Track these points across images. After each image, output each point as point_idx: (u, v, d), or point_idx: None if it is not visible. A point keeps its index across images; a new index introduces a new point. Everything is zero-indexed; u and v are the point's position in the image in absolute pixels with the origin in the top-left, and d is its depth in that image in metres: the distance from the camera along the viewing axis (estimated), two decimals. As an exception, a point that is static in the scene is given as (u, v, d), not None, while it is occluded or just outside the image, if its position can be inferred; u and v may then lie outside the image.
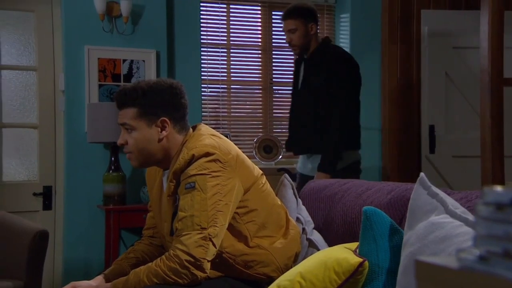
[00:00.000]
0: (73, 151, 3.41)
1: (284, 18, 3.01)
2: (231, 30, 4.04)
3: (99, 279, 1.85)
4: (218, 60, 4.01)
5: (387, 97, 4.10)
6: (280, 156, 4.03)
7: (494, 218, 0.38)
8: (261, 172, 1.91)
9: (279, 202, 1.94)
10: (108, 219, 3.30)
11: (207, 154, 1.72)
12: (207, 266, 1.68)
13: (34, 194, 3.49)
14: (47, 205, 3.54)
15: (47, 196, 3.52)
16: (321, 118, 2.91)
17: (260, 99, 4.13)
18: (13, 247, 2.54)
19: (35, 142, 3.52)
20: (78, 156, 3.41)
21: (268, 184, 1.92)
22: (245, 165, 1.82)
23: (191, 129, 1.85)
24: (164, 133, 1.78)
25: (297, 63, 3.16)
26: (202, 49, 3.86)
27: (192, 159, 1.72)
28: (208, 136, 1.79)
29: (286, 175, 2.11)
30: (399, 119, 4.09)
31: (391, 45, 4.09)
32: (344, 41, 4.19)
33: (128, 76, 3.52)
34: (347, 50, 4.14)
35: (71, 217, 3.44)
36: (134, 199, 3.43)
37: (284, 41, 4.19)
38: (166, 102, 1.78)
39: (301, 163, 3.18)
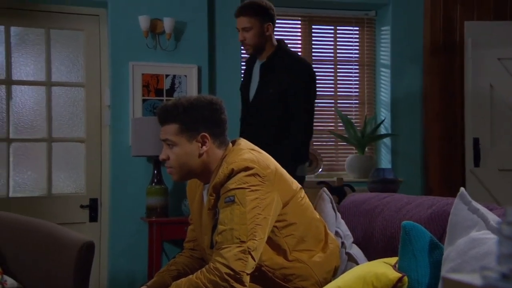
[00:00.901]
0: (118, 164, 3.51)
1: (238, 15, 2.76)
2: (271, 44, 4.08)
3: (142, 291, 1.90)
4: (258, 74, 4.05)
5: (429, 109, 4.04)
6: (320, 169, 4.03)
7: (516, 238, 0.39)
8: (299, 186, 1.92)
9: (318, 216, 1.95)
10: (151, 231, 3.37)
11: (246, 169, 1.75)
12: (247, 279, 1.70)
13: (81, 206, 3.60)
14: (93, 217, 3.64)
15: (93, 208, 3.63)
16: (277, 127, 2.69)
17: (300, 112, 4.13)
18: (61, 257, 2.62)
19: (82, 156, 3.65)
20: (122, 169, 3.51)
21: (307, 198, 1.93)
22: (283, 179, 1.84)
23: (230, 144, 1.89)
24: (204, 148, 1.82)
25: (249, 64, 2.92)
26: (242, 63, 3.91)
27: (232, 173, 1.75)
28: (247, 150, 1.83)
29: (325, 189, 2.11)
30: (442, 131, 4.03)
31: (434, 57, 4.04)
32: (384, 54, 4.17)
33: (171, 91, 3.60)
34: (388, 62, 4.13)
35: (116, 229, 3.53)
36: (176, 211, 3.50)
37: (324, 54, 4.23)
38: (206, 118, 1.83)
39: None
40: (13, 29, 3.56)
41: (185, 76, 3.63)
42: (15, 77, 3.56)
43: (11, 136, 3.53)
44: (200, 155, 1.82)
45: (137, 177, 3.51)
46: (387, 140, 4.12)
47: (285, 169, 2.47)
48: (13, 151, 3.54)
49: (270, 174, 1.79)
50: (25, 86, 3.61)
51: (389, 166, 4.02)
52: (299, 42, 4.17)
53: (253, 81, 2.82)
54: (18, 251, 2.60)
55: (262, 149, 2.25)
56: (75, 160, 3.67)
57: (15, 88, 3.57)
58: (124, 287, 3.51)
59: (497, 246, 0.41)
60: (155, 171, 3.39)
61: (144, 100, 3.56)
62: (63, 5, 3.61)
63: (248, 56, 2.94)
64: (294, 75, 2.69)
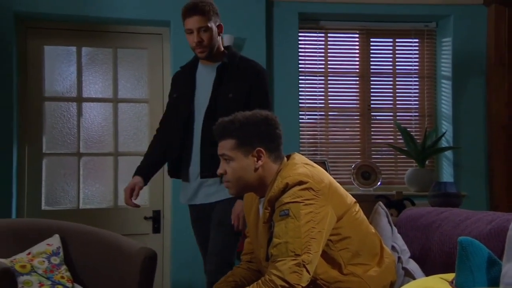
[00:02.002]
0: (179, 177, 3.62)
1: (192, 14, 2.45)
2: (329, 58, 4.12)
3: (200, 300, 1.96)
4: (316, 87, 4.10)
5: (494, 121, 3.92)
6: (379, 183, 3.99)
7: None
8: (354, 200, 1.93)
9: (373, 230, 1.95)
10: (211, 242, 3.45)
11: (301, 183, 1.79)
12: (301, 292, 1.73)
13: (145, 218, 3.74)
14: (156, 228, 3.77)
15: (156, 219, 3.76)
16: None
17: (358, 125, 4.13)
18: (125, 267, 2.74)
19: (146, 169, 3.79)
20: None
21: (362, 212, 1.94)
22: (338, 193, 1.86)
23: (285, 158, 1.93)
24: (259, 162, 1.88)
25: (188, 72, 2.62)
26: (300, 77, 3.96)
27: (286, 188, 1.79)
28: (301, 165, 1.86)
29: (380, 203, 2.11)
30: (508, 145, 3.89)
31: (498, 68, 3.93)
32: (445, 66, 4.10)
33: (230, 106, 3.68)
34: (449, 74, 4.05)
35: (178, 240, 3.64)
36: (235, 224, 3.56)
37: (383, 67, 4.21)
38: (261, 133, 1.88)
39: (190, 193, 2.61)
40: (84, 50, 3.78)
41: (244, 91, 3.70)
42: (85, 94, 3.77)
43: (81, 150, 3.73)
44: (255, 170, 1.88)
45: (198, 190, 3.60)
46: (448, 153, 4.03)
47: None
48: (82, 165, 3.74)
49: (324, 188, 1.81)
50: (94, 103, 3.80)
51: (451, 179, 3.93)
52: (357, 55, 4.18)
53: (200, 90, 2.53)
54: (86, 260, 2.74)
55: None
56: (139, 173, 3.81)
57: (85, 105, 3.77)
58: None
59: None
60: (215, 184, 3.47)
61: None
62: (129, 25, 3.80)
63: (186, 66, 2.66)
64: (255, 78, 2.50)
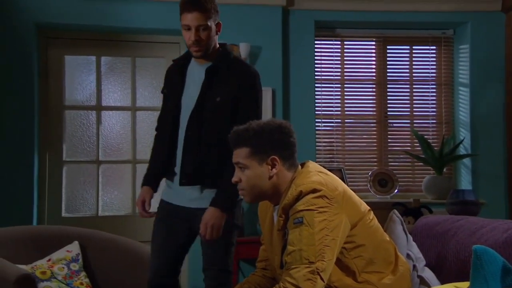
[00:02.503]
0: (196, 185, 3.66)
1: (192, 9, 2.22)
2: (345, 65, 4.13)
3: (216, 307, 1.98)
4: (332, 95, 4.11)
5: (512, 128, 3.89)
6: (396, 190, 3.97)
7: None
8: (368, 208, 1.94)
9: (388, 238, 1.95)
10: (227, 250, 3.47)
11: (314, 191, 1.80)
12: (316, 299, 1.73)
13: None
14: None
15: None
16: (221, 145, 2.22)
17: (375, 132, 4.13)
18: (143, 274, 2.77)
19: (163, 177, 3.83)
20: (200, 189, 3.65)
21: (376, 220, 1.94)
22: (352, 201, 1.87)
23: (299, 166, 1.95)
24: (274, 170, 1.89)
25: (179, 69, 2.40)
26: (316, 85, 3.97)
27: (300, 195, 1.81)
28: (315, 173, 1.87)
29: (395, 211, 2.11)
30: (527, 151, 3.85)
31: (517, 74, 3.90)
32: (463, 73, 4.08)
33: (246, 114, 3.71)
34: (467, 81, 4.03)
35: (195, 246, 3.66)
36: (252, 231, 3.58)
37: (400, 74, 4.21)
38: (275, 142, 1.90)
39: (173, 194, 2.39)
40: (103, 59, 3.85)
41: (260, 99, 3.73)
42: (104, 103, 3.83)
43: (100, 158, 3.78)
44: (270, 178, 1.89)
45: (215, 197, 3.63)
46: (467, 161, 4.00)
47: (231, 192, 2.18)
48: (101, 172, 3.80)
49: (338, 196, 1.82)
50: (113, 111, 3.86)
51: (469, 187, 3.90)
52: (374, 63, 4.18)
53: (189, 88, 2.34)
54: (105, 266, 2.79)
55: (205, 168, 2.22)
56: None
57: (104, 114, 3.84)
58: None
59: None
60: (231, 192, 3.49)
61: (220, 123, 3.69)
62: (147, 34, 3.86)
63: (176, 64, 2.44)
64: (245, 83, 2.31)
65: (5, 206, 3.33)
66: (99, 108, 3.82)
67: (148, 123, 3.88)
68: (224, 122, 2.24)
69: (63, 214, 3.70)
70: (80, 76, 3.85)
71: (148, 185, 2.42)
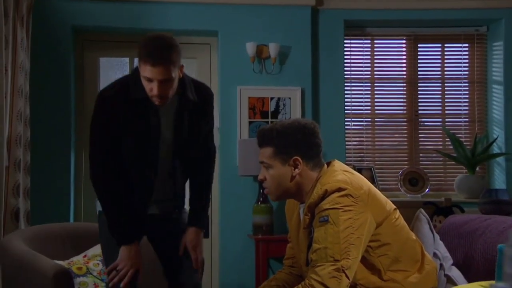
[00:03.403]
0: (226, 183, 3.72)
1: (158, 63, 1.98)
2: (375, 64, 4.12)
3: (244, 303, 2.03)
4: (362, 93, 4.10)
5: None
6: (427, 189, 3.94)
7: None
8: (394, 206, 1.95)
9: (414, 237, 1.96)
10: (257, 248, 3.52)
11: (340, 189, 1.82)
12: (341, 296, 1.76)
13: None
14: (205, 233, 3.84)
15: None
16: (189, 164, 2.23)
17: (406, 131, 4.10)
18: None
19: (195, 175, 3.89)
20: (230, 188, 3.71)
21: (402, 219, 1.94)
22: (377, 200, 1.88)
23: (325, 165, 1.97)
24: (296, 171, 1.92)
25: (140, 107, 2.09)
26: (346, 83, 3.98)
27: (325, 194, 1.83)
28: (340, 172, 1.89)
29: (422, 210, 2.11)
30: None
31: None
32: (497, 70, 4.02)
33: (275, 113, 3.76)
34: (500, 79, 3.97)
35: (225, 245, 3.72)
36: (281, 229, 3.61)
37: (431, 72, 4.17)
38: (298, 142, 1.92)
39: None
40: (136, 61, 3.92)
41: (289, 98, 3.77)
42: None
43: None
44: (292, 178, 1.92)
45: (244, 195, 3.68)
46: (500, 160, 3.94)
47: (205, 208, 2.27)
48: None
49: (363, 194, 1.84)
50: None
51: (503, 186, 3.84)
52: (404, 61, 4.15)
53: (153, 123, 2.11)
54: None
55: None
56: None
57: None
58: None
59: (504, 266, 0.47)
60: (261, 190, 3.54)
61: (250, 122, 3.74)
62: (178, 36, 3.91)
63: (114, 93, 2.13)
64: (210, 106, 2.27)
65: (43, 203, 3.45)
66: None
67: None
68: (195, 151, 2.24)
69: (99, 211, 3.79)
70: (114, 77, 3.92)
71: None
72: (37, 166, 3.41)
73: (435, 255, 2.00)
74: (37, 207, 3.32)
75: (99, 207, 2.27)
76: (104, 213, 2.17)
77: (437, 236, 2.06)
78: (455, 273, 1.97)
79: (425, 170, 3.98)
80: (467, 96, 4.13)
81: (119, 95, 2.09)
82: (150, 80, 2.01)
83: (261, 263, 3.46)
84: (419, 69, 4.13)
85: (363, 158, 4.05)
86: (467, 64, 4.13)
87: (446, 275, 1.95)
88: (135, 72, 2.13)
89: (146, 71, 2.01)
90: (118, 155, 2.11)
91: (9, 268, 2.48)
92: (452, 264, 2.01)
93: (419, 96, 4.12)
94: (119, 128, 2.08)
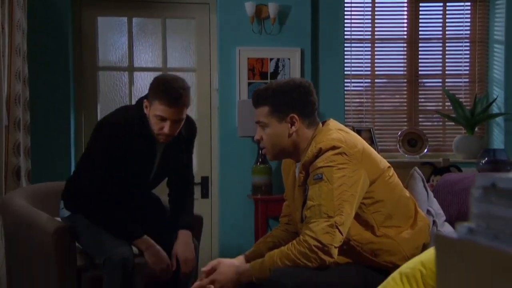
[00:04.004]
0: (226, 144, 3.74)
1: (177, 105, 2.19)
2: (376, 24, 4.07)
3: (240, 259, 2.08)
4: (362, 54, 4.07)
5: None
6: (426, 150, 3.96)
7: (480, 199, 0.46)
8: (388, 164, 1.97)
9: (408, 194, 1.98)
10: (256, 208, 3.57)
11: (334, 148, 1.83)
12: (334, 252, 1.80)
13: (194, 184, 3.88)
14: (205, 193, 3.91)
15: (204, 185, 3.90)
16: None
17: (405, 92, 4.09)
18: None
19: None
20: (230, 149, 3.73)
21: (396, 177, 1.97)
22: (371, 158, 1.90)
23: (320, 124, 1.98)
24: (293, 128, 1.93)
25: (147, 137, 2.29)
26: (346, 44, 3.94)
27: (320, 152, 1.85)
28: (335, 130, 1.91)
29: (416, 168, 2.13)
30: None
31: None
32: (498, 30, 3.98)
33: (275, 74, 3.74)
34: (502, 38, 3.93)
35: (225, 205, 3.77)
36: (280, 189, 3.63)
37: (432, 32, 4.12)
38: (294, 100, 1.93)
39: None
40: (134, 20, 3.90)
41: (289, 59, 3.74)
42: (136, 64, 3.91)
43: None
44: (289, 135, 1.94)
45: (243, 156, 3.71)
46: (500, 120, 3.94)
47: (191, 210, 2.50)
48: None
49: (357, 153, 1.85)
50: (144, 72, 3.94)
51: (501, 147, 3.85)
52: (405, 21, 4.10)
53: (151, 156, 2.35)
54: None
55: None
56: (188, 140, 3.95)
57: (136, 75, 3.92)
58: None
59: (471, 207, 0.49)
60: (260, 151, 3.56)
61: (249, 83, 3.73)
62: (177, -5, 3.88)
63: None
64: (194, 139, 2.54)
65: (44, 162, 3.49)
66: (131, 69, 3.90)
67: (179, 83, 3.95)
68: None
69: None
70: (112, 38, 3.92)
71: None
72: (37, 125, 3.43)
73: (428, 212, 2.03)
74: (38, 166, 3.36)
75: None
76: (103, 223, 2.29)
77: (431, 194, 2.09)
78: (448, 229, 2.01)
79: (424, 131, 3.99)
80: (468, 56, 4.10)
81: (124, 129, 2.25)
82: (163, 119, 2.18)
83: (260, 222, 3.51)
84: (420, 29, 4.08)
85: (363, 120, 4.05)
86: (468, 23, 4.09)
87: (438, 231, 1.98)
88: (139, 107, 2.27)
89: (161, 110, 2.16)
90: (114, 176, 2.28)
91: (10, 224, 2.53)
92: (445, 221, 2.05)
93: (419, 56, 4.09)
94: (118, 156, 2.25)
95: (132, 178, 2.34)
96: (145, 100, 2.25)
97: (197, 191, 3.87)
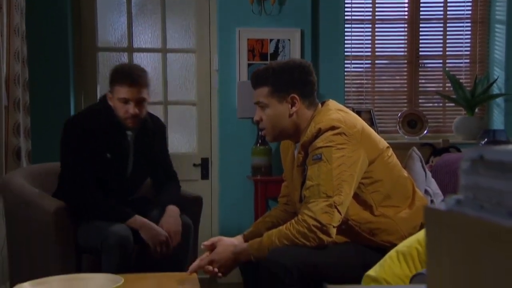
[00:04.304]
0: (225, 126, 3.74)
1: (136, 84, 2.31)
2: (376, 4, 4.04)
3: (239, 238, 2.09)
4: (362, 35, 4.05)
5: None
6: (426, 131, 3.96)
7: (468, 171, 0.46)
8: (387, 145, 1.97)
9: (406, 174, 1.99)
10: (256, 188, 3.58)
11: (333, 128, 1.84)
12: (333, 231, 1.81)
13: (194, 165, 3.90)
14: (205, 174, 3.93)
15: (204, 166, 3.91)
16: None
17: (406, 73, 4.08)
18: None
19: (194, 118, 3.92)
20: (229, 130, 3.74)
21: (395, 157, 1.97)
22: (370, 138, 1.90)
23: (319, 105, 1.98)
24: (294, 108, 1.93)
25: (118, 128, 2.40)
26: (346, 25, 3.92)
27: (319, 132, 1.85)
28: (335, 111, 1.91)
29: (414, 148, 2.14)
30: None
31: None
32: (500, 10, 3.94)
33: (275, 55, 3.73)
34: (503, 18, 3.90)
35: (225, 186, 3.79)
36: (280, 170, 3.64)
37: (433, 12, 4.09)
38: (295, 80, 1.92)
39: None
40: (133, 0, 3.88)
41: (289, 40, 3.73)
42: (135, 44, 3.89)
43: (133, 99, 3.88)
44: (290, 116, 1.94)
45: (243, 138, 3.71)
46: (500, 101, 3.93)
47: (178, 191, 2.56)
48: (134, 113, 3.90)
49: (356, 133, 1.86)
50: (144, 53, 3.93)
51: (501, 127, 3.85)
52: (406, 1, 4.07)
53: (124, 145, 2.43)
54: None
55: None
56: (188, 122, 3.96)
57: (135, 55, 3.91)
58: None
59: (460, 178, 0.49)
60: (260, 132, 3.56)
61: (249, 64, 3.72)
62: (176, -25, 3.85)
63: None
64: (164, 134, 2.64)
65: (44, 143, 3.49)
66: (130, 49, 3.89)
67: (178, 64, 3.94)
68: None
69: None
70: (111, 18, 3.90)
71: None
72: (37, 106, 3.43)
73: (426, 192, 2.04)
74: (38, 147, 3.37)
75: None
76: (94, 211, 2.34)
77: (429, 174, 2.10)
78: (446, 209, 2.01)
79: (424, 113, 3.98)
80: (469, 36, 4.07)
81: (91, 122, 2.36)
82: (126, 101, 2.30)
83: (260, 203, 3.53)
84: (421, 9, 4.06)
85: (363, 101, 4.05)
86: (470, 3, 4.06)
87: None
88: (103, 101, 2.40)
89: (123, 92, 2.29)
90: (94, 170, 2.35)
91: (10, 204, 2.54)
92: (443, 201, 2.05)
93: (420, 37, 4.06)
94: (91, 149, 2.33)
95: (110, 173, 2.39)
96: (107, 93, 2.40)
97: (197, 172, 3.90)
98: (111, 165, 2.39)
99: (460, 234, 0.46)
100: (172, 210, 2.41)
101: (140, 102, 2.32)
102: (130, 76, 2.29)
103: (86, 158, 2.32)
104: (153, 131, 2.51)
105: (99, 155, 2.35)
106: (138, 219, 2.30)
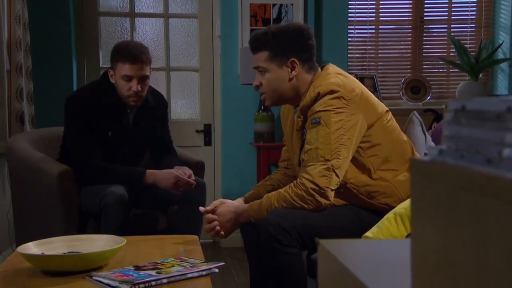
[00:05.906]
0: (228, 92, 3.74)
1: (138, 61, 2.34)
2: (381, -31, 3.98)
3: (240, 201, 2.12)
4: (366, 0, 4.00)
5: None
6: (429, 97, 3.95)
7: (451, 122, 0.47)
8: (386, 108, 1.97)
9: (405, 138, 2.00)
10: (258, 155, 3.60)
11: (332, 92, 1.84)
12: (331, 194, 1.83)
13: (196, 131, 3.92)
14: (207, 141, 3.95)
15: (207, 133, 3.93)
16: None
17: (410, 38, 4.04)
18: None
19: (197, 84, 3.92)
20: (232, 97, 3.74)
21: (394, 121, 1.97)
22: (369, 102, 1.90)
23: (319, 69, 1.97)
24: (293, 73, 1.93)
25: (119, 106, 2.43)
26: (349, -10, 3.87)
27: (318, 97, 1.85)
28: (334, 75, 1.90)
29: (415, 112, 2.14)
30: None
31: None
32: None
33: (277, 20, 3.69)
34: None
35: (227, 152, 3.81)
36: (282, 137, 3.67)
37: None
38: (294, 44, 1.91)
39: None
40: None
41: (292, 5, 3.69)
42: (137, 9, 3.86)
43: (135, 65, 3.87)
44: (290, 80, 1.93)
45: (246, 104, 3.72)
46: (504, 66, 3.90)
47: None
48: (137, 79, 3.89)
49: (355, 97, 1.86)
50: (146, 18, 3.90)
51: (505, 93, 3.83)
52: (412, -36, 4.01)
53: (124, 123, 2.47)
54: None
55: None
56: (190, 88, 3.96)
57: (137, 21, 3.88)
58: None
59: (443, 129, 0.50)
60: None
61: (252, 30, 3.70)
62: None
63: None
64: (163, 112, 2.62)
65: (46, 109, 3.51)
66: (132, 15, 3.86)
67: (180, 30, 3.92)
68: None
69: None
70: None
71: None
72: (39, 70, 3.44)
73: (426, 155, 2.04)
74: (41, 112, 3.38)
75: None
76: (105, 179, 2.35)
77: (429, 138, 2.10)
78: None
79: (428, 79, 3.96)
80: (474, 0, 4.01)
81: (91, 99, 2.37)
82: (129, 78, 2.32)
83: (262, 169, 3.56)
84: (426, -27, 4.00)
85: (366, 67, 4.02)
86: (476, -33, 3.99)
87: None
88: (104, 78, 2.40)
89: (126, 69, 2.31)
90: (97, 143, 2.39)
91: (14, 168, 2.57)
92: (426, 154, 2.06)
93: (425, 1, 4.01)
94: (92, 126, 2.36)
95: (111, 150, 2.41)
96: (108, 70, 2.39)
97: (200, 138, 3.92)
98: (111, 143, 2.42)
99: (442, 183, 0.47)
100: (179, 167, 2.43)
101: (143, 79, 2.34)
102: (132, 53, 2.31)
103: (88, 133, 2.36)
104: (154, 108, 2.52)
105: (101, 133, 2.38)
106: (151, 174, 2.35)
